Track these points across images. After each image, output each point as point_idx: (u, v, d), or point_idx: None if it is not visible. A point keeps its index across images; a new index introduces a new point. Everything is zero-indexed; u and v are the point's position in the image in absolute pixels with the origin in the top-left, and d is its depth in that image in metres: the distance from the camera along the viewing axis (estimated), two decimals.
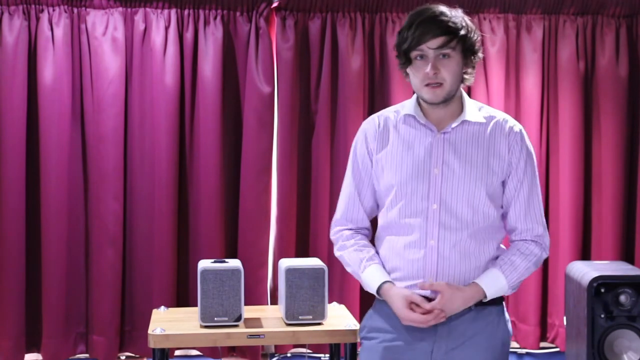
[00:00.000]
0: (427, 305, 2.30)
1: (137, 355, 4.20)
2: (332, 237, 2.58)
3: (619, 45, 4.29)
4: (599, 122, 4.30)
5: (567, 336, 3.55)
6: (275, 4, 4.12)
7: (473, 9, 4.22)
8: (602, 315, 3.22)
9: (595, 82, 4.30)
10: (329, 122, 4.17)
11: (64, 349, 4.08)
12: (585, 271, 3.33)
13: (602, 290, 3.23)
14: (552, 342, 4.36)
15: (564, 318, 3.58)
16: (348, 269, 2.52)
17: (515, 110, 4.27)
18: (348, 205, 2.52)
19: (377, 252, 2.48)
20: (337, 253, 2.56)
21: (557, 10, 4.27)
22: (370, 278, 2.43)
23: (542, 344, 4.37)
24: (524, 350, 4.34)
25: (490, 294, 2.34)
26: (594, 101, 4.31)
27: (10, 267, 4.00)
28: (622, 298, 3.22)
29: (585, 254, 4.33)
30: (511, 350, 4.34)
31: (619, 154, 4.28)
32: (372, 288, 2.43)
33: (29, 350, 4.12)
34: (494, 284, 2.34)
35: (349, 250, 2.50)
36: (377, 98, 4.22)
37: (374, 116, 2.51)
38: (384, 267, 2.44)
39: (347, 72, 4.14)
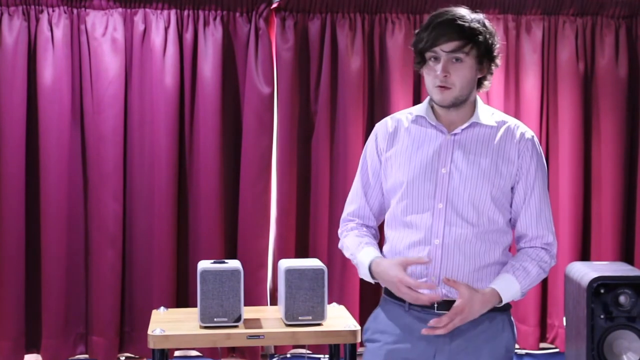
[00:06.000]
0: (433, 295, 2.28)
1: (136, 356, 4.20)
2: (339, 232, 2.56)
3: (619, 46, 4.29)
4: (598, 122, 4.30)
5: (567, 337, 3.56)
6: (274, 5, 4.12)
7: (473, 9, 4.19)
8: (602, 316, 3.22)
9: (595, 82, 4.30)
10: (329, 122, 4.17)
11: (64, 350, 4.08)
12: (584, 272, 3.33)
13: (602, 290, 3.23)
14: (552, 342, 4.36)
15: (564, 319, 3.58)
16: (347, 254, 2.49)
17: (515, 111, 4.27)
18: (355, 203, 2.52)
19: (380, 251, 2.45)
20: (339, 244, 2.54)
21: (557, 11, 4.26)
22: (364, 257, 2.40)
23: (542, 345, 4.37)
24: (523, 351, 4.33)
25: (505, 299, 2.33)
26: (594, 102, 4.31)
27: (10, 268, 4.00)
28: (622, 299, 3.22)
29: (584, 255, 4.32)
30: None
31: (619, 154, 4.28)
32: (364, 266, 2.39)
33: (29, 351, 4.12)
34: (509, 288, 2.33)
35: (350, 235, 2.49)
36: (376, 99, 4.22)
37: (387, 118, 2.52)
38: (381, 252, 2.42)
39: (346, 73, 4.14)
